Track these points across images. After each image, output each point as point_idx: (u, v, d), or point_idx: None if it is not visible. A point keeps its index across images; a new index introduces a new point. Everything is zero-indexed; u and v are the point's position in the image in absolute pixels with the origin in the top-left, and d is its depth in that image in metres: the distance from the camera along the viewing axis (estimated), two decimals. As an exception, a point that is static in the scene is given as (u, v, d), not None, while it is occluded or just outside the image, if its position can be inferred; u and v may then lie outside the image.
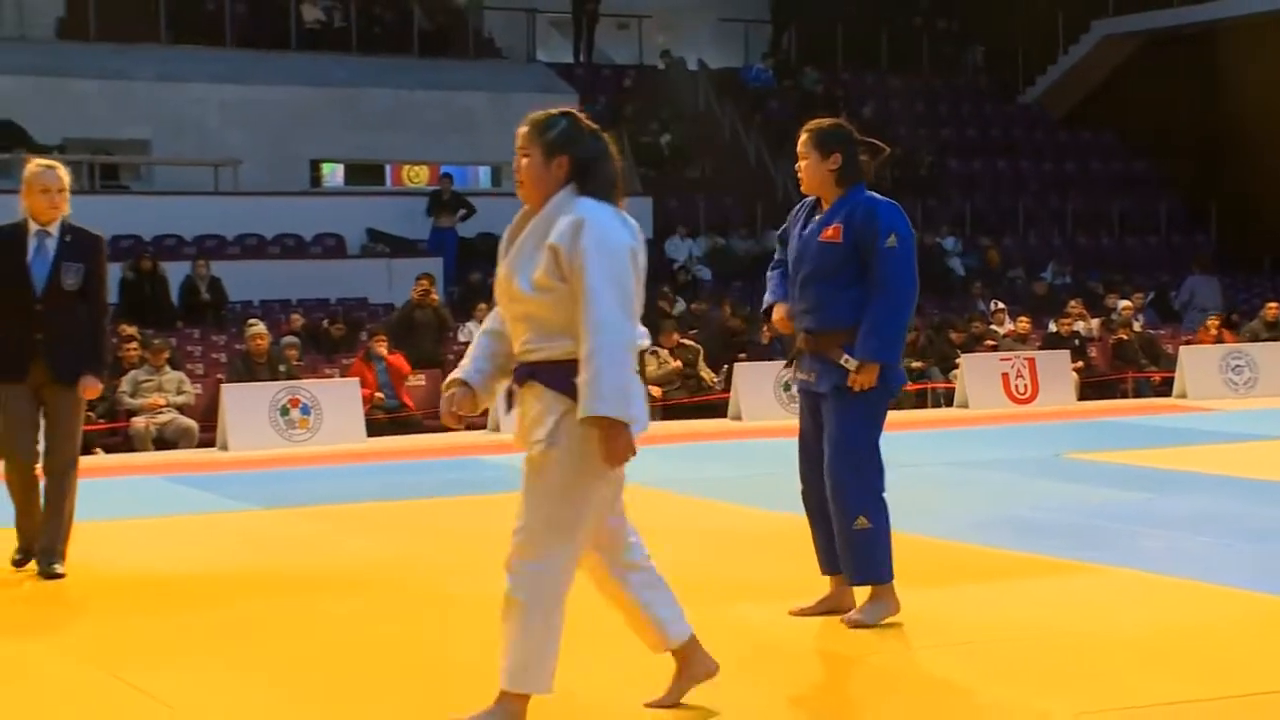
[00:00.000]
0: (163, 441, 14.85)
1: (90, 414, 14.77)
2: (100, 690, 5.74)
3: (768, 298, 6.64)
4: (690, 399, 17.28)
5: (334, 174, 24.81)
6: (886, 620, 6.23)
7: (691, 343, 17.79)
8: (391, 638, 6.42)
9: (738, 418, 16.67)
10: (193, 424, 15.04)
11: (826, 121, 6.47)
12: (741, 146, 26.47)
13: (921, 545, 8.21)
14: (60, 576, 7.57)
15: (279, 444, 14.80)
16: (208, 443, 14.97)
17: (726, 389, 17.18)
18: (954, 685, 5.59)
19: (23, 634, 6.72)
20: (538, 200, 4.78)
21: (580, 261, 4.56)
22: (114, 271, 18.35)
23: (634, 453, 4.56)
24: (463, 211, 21.87)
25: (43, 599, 7.49)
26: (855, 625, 6.22)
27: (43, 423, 7.74)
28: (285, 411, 15.14)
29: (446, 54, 25.73)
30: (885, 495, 6.23)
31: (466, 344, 6.33)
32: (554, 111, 4.91)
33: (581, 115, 4.86)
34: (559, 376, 4.61)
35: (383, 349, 16.28)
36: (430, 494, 11.24)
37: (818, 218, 6.31)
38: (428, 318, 17.57)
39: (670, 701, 5.11)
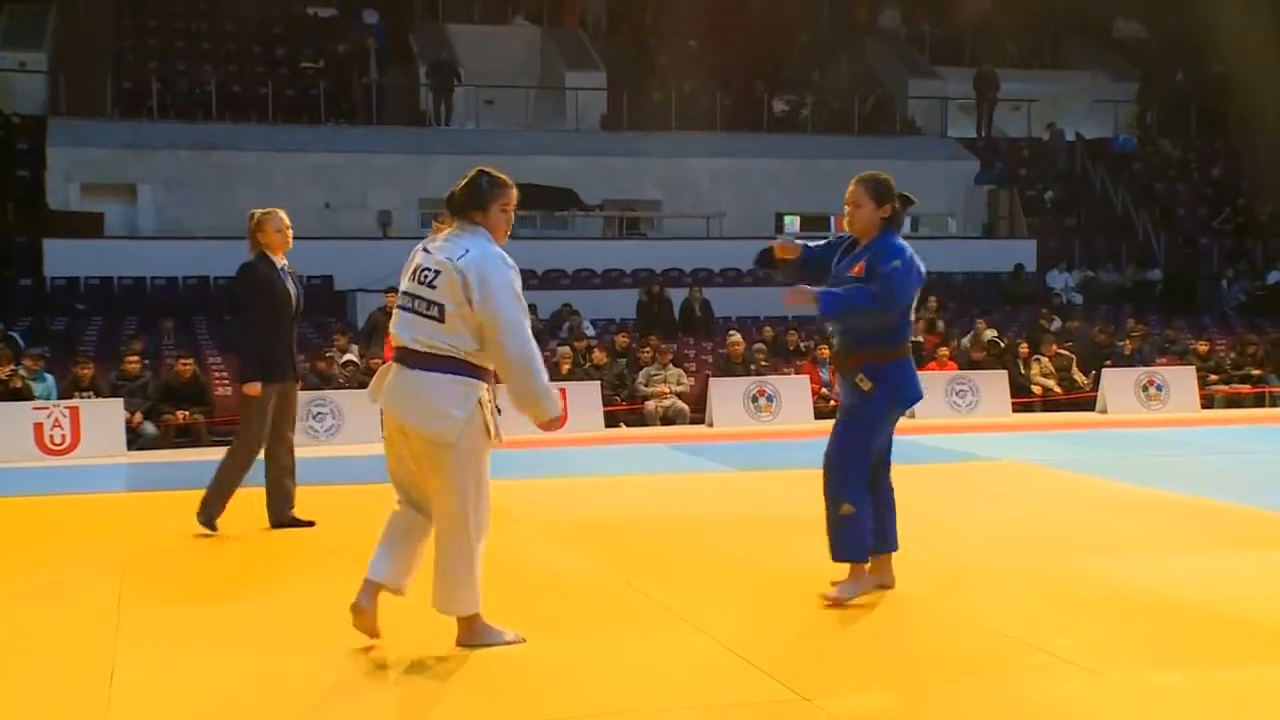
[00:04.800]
0: (666, 419, 15.22)
1: (616, 397, 15.34)
2: (618, 593, 5.87)
3: (794, 243, 5.77)
4: (1065, 396, 16.55)
5: (792, 223, 24.86)
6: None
7: (1066, 352, 17.04)
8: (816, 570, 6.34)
9: (1103, 411, 15.87)
10: (686, 407, 15.36)
11: (880, 175, 5.60)
12: (1110, 200, 25.15)
13: (1256, 517, 7.62)
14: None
15: (750, 423, 14.95)
16: (698, 421, 15.25)
17: (1095, 389, 16.40)
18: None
19: (568, 550, 6.97)
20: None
21: None
22: (631, 296, 19.10)
23: None
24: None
25: (572, 526, 7.65)
26: (834, 603, 5.42)
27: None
28: (755, 399, 15.27)
29: (878, 132, 25.42)
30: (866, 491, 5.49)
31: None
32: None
33: None
34: None
35: (826, 354, 16.24)
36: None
37: (852, 255, 5.56)
38: (861, 331, 17.39)
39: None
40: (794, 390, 15.49)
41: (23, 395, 13.38)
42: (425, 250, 4.75)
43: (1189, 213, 24.54)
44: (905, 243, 5.53)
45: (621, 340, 16.65)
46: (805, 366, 16.28)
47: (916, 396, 5.62)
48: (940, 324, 18.08)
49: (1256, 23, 24.12)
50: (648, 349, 15.81)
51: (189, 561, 6.87)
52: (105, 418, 13.17)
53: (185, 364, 14.03)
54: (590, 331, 17.65)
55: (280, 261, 7.37)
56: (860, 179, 5.62)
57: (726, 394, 15.22)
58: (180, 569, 6.68)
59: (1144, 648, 4.87)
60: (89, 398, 13.50)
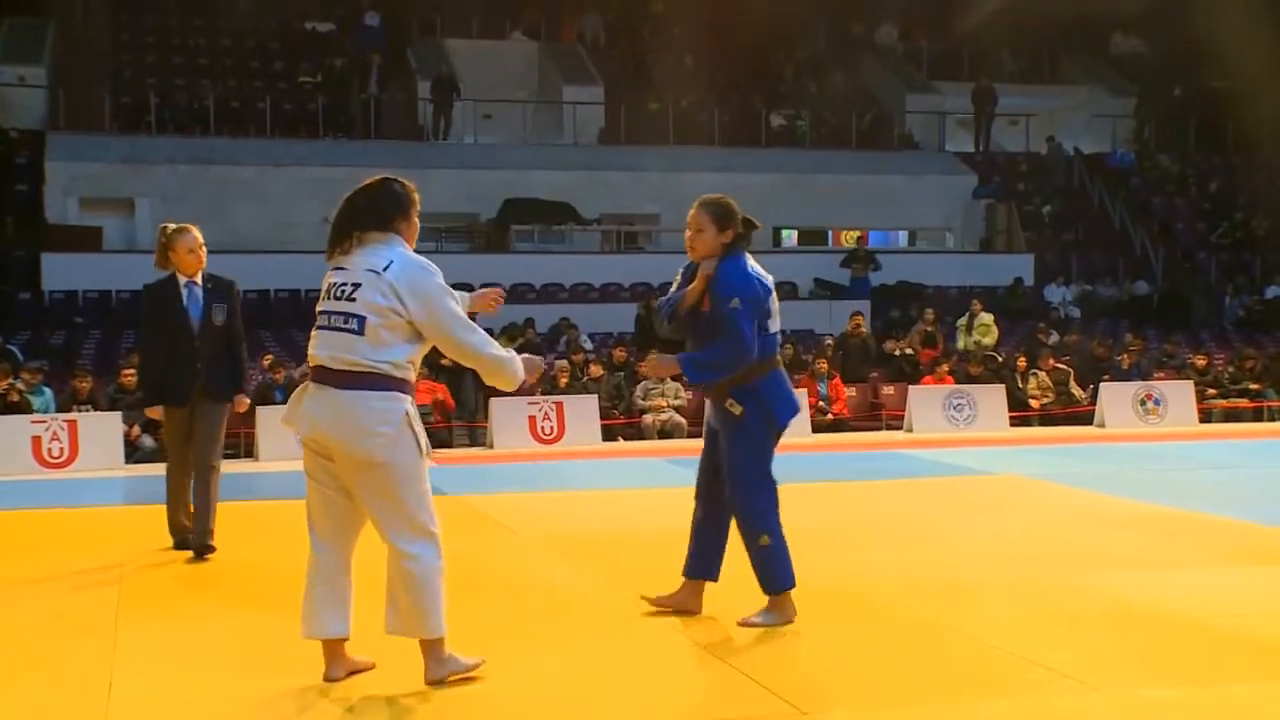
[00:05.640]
0: (664, 433, 15.22)
1: (613, 410, 15.33)
2: (615, 605, 5.86)
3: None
4: (1063, 410, 16.57)
5: (790, 237, 24.88)
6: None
7: (1064, 366, 17.07)
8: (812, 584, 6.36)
9: (1101, 425, 15.89)
10: (684, 421, 15.35)
11: (723, 198, 5.39)
12: (1107, 214, 25.21)
13: (1253, 531, 7.63)
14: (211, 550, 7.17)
15: (747, 436, 14.92)
16: (695, 434, 15.14)
17: (1092, 403, 16.43)
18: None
19: (565, 564, 6.97)
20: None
21: None
22: (629, 309, 19.08)
23: None
24: (873, 264, 21.66)
25: (570, 539, 7.65)
26: (748, 624, 5.39)
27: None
28: (752, 413, 15.26)
29: (876, 146, 25.47)
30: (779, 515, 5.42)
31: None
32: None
33: None
34: None
35: (824, 369, 16.25)
36: (859, 478, 11.15)
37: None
38: (857, 345, 17.45)
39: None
40: (791, 404, 15.48)
41: (21, 408, 13.40)
42: (339, 269, 4.58)
43: (1187, 227, 24.59)
44: (747, 265, 5.35)
45: (619, 354, 16.66)
46: (803, 380, 16.27)
47: (792, 411, 5.50)
48: (938, 338, 18.12)
49: (1254, 37, 24.22)
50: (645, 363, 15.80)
51: (187, 574, 6.88)
52: (103, 431, 13.19)
53: (183, 378, 14.00)
54: (588, 345, 17.67)
55: (185, 279, 7.23)
56: (702, 202, 5.42)
57: (724, 408, 15.20)
58: (179, 582, 6.69)
59: (1141, 663, 4.87)
60: (87, 411, 13.51)
